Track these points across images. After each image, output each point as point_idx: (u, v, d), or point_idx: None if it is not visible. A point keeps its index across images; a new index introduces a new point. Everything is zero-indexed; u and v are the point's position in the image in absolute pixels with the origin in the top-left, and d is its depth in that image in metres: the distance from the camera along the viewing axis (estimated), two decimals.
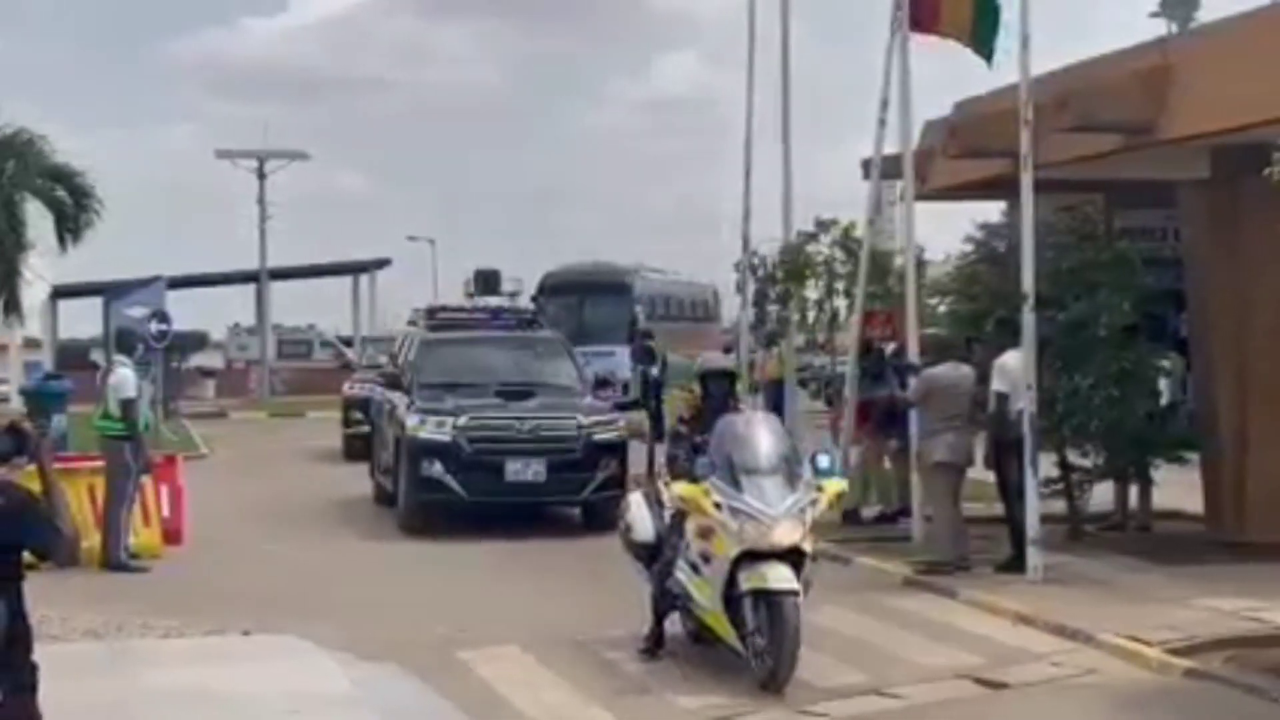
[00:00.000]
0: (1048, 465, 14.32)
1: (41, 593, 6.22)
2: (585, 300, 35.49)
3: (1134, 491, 15.58)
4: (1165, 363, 15.17)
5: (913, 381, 14.50)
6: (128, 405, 14.70)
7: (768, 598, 9.34)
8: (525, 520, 16.97)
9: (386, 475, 18.72)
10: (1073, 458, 14.84)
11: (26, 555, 5.88)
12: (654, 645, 10.36)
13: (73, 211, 25.09)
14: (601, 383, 19.27)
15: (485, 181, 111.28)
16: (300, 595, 13.21)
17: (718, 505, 9.59)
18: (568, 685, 9.82)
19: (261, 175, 53.30)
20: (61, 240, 25.33)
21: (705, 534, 9.75)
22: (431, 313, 21.22)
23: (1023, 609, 11.69)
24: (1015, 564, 13.12)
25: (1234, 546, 13.92)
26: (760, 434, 10.02)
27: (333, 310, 70.34)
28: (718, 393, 11.01)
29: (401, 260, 65.57)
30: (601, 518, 16.09)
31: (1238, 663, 9.85)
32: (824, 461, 10.26)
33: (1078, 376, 14.08)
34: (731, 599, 9.51)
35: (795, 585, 9.40)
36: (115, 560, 14.38)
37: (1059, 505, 14.81)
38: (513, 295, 40.88)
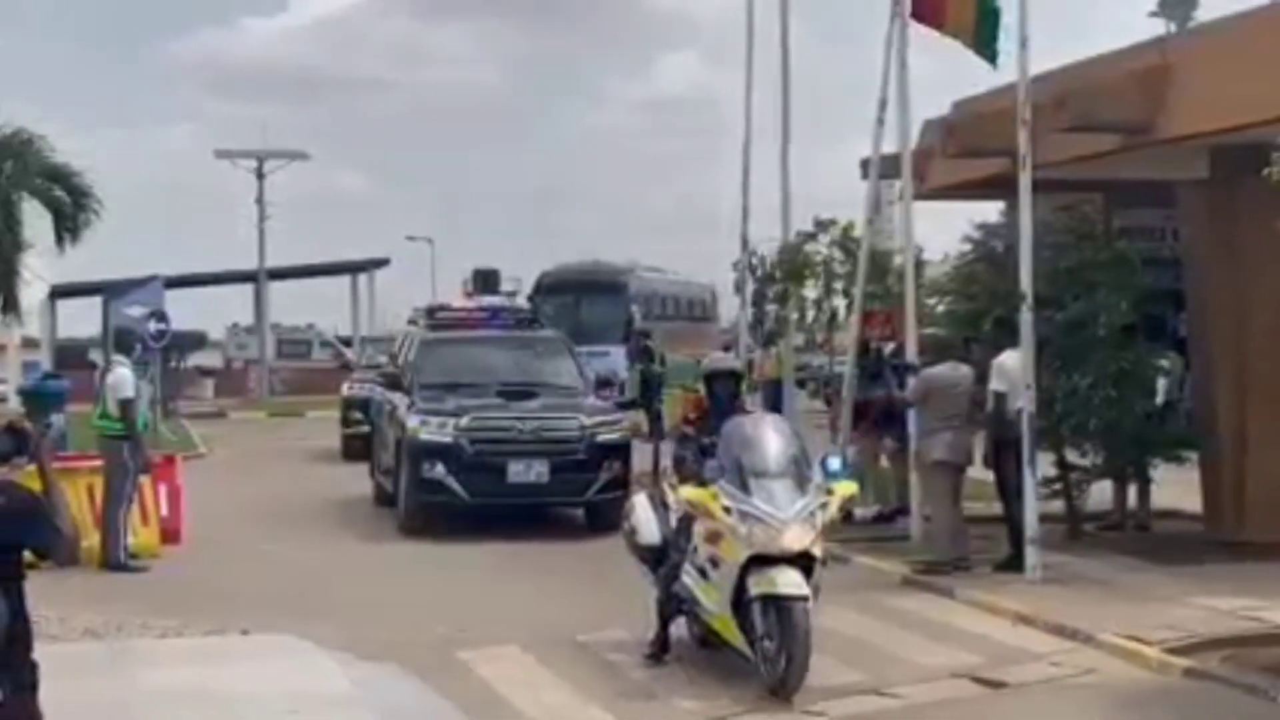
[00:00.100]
0: (1046, 465, 14.33)
1: (40, 592, 6.21)
2: (581, 300, 35.41)
3: (1132, 491, 15.59)
4: (1164, 362, 15.19)
5: (911, 381, 14.50)
6: (126, 405, 14.71)
7: (777, 603, 9.21)
8: (527, 522, 16.88)
9: (387, 476, 18.60)
10: (1071, 457, 14.85)
11: (27, 555, 5.88)
12: (659, 650, 10.24)
13: (71, 211, 25.06)
14: (603, 382, 19.21)
15: (485, 181, 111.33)
16: (299, 595, 13.21)
17: (726, 509, 9.47)
18: (568, 686, 9.81)
19: (260, 175, 53.32)
20: (60, 240, 25.30)
21: (713, 538, 9.63)
22: (432, 312, 21.08)
23: (1022, 608, 11.70)
24: (1014, 563, 13.13)
25: (1233, 546, 13.92)
26: (769, 436, 9.90)
27: (331, 310, 70.41)
28: (723, 393, 10.91)
29: (400, 260, 65.63)
30: (605, 519, 16.09)
31: (1236, 662, 9.86)
32: (834, 464, 10.13)
33: (1076, 376, 14.09)
34: (740, 604, 9.39)
35: (805, 591, 9.25)
36: (114, 560, 14.39)
37: (1058, 505, 14.83)
38: (511, 295, 40.86)
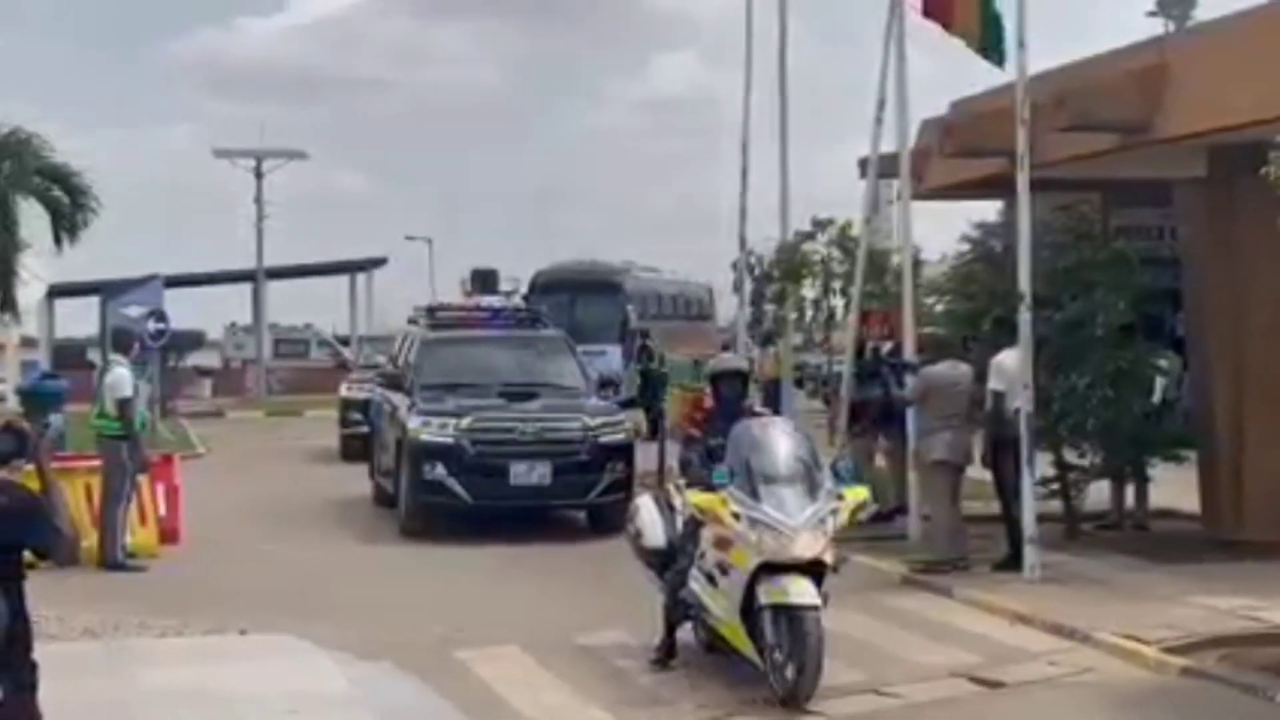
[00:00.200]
0: (1045, 464, 14.33)
1: (39, 592, 6.21)
2: (576, 299, 35.20)
3: (1131, 490, 15.60)
4: (1162, 362, 15.20)
5: (910, 380, 14.50)
6: (124, 404, 14.71)
7: (789, 612, 9.06)
8: (528, 524, 16.74)
9: (387, 477, 18.44)
10: (1070, 457, 14.86)
11: (26, 555, 5.89)
12: (665, 655, 10.10)
13: (69, 210, 25.06)
14: (606, 383, 19.11)
15: (485, 181, 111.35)
16: (298, 595, 13.21)
17: (736, 515, 9.28)
18: (568, 687, 9.80)
19: (259, 175, 53.30)
20: (58, 239, 25.30)
21: (722, 544, 9.46)
22: (432, 311, 20.85)
23: (1020, 608, 11.71)
24: (1012, 563, 13.14)
25: (1231, 545, 13.93)
26: (779, 440, 9.71)
27: (330, 310, 70.37)
28: (730, 394, 10.73)
29: (399, 260, 65.53)
30: (608, 521, 16.02)
31: (1234, 661, 9.86)
32: (845, 468, 9.98)
33: (1074, 375, 14.10)
34: (749, 611, 9.24)
35: (817, 600, 9.11)
36: (112, 559, 14.39)
37: (1056, 504, 14.84)
38: (509, 294, 40.88)
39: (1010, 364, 13.29)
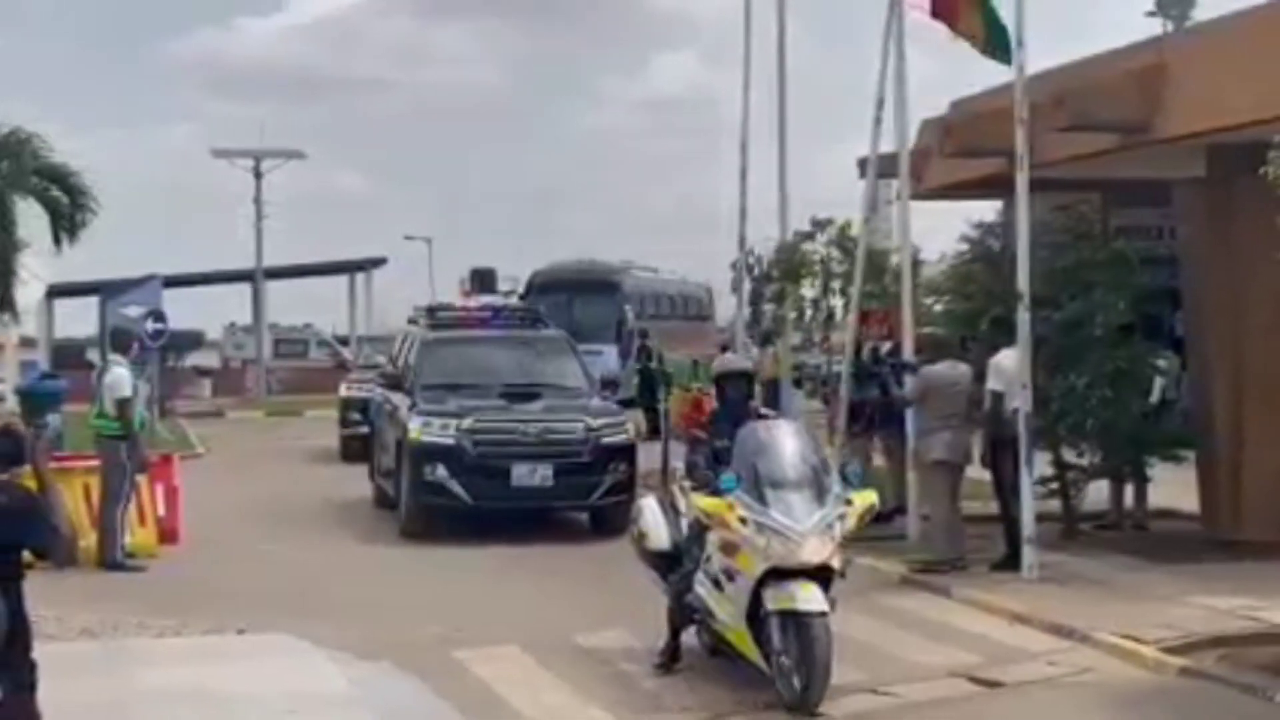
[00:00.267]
0: (1043, 464, 14.33)
1: (38, 592, 6.22)
2: (574, 299, 35.00)
3: (1129, 490, 15.61)
4: (1161, 361, 15.21)
5: (909, 380, 14.51)
6: (123, 404, 14.71)
7: (796, 619, 8.97)
8: (530, 525, 16.64)
9: (387, 479, 18.31)
10: (1068, 456, 14.86)
11: (25, 555, 5.89)
12: (669, 659, 10.01)
13: (68, 210, 25.06)
14: (609, 383, 19.02)
15: (485, 181, 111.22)
16: (297, 595, 13.20)
17: (743, 520, 9.16)
18: (567, 687, 9.80)
19: (258, 174, 53.30)
20: (57, 239, 25.30)
21: (729, 549, 9.35)
22: (432, 311, 20.73)
23: (1019, 608, 11.71)
24: (1011, 563, 13.15)
25: (1230, 545, 13.93)
26: (786, 444, 9.58)
27: (329, 309, 70.34)
28: (735, 395, 10.56)
29: (398, 260, 65.45)
30: (610, 523, 16.02)
31: (1232, 661, 9.87)
32: (853, 472, 9.87)
33: (1073, 375, 14.10)
34: (755, 617, 9.16)
35: (825, 606, 9.02)
36: (111, 559, 14.39)
37: (1055, 504, 14.84)
38: (508, 294, 40.89)
39: (1009, 364, 13.29)
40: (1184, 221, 15.45)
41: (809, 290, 19.09)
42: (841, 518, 9.34)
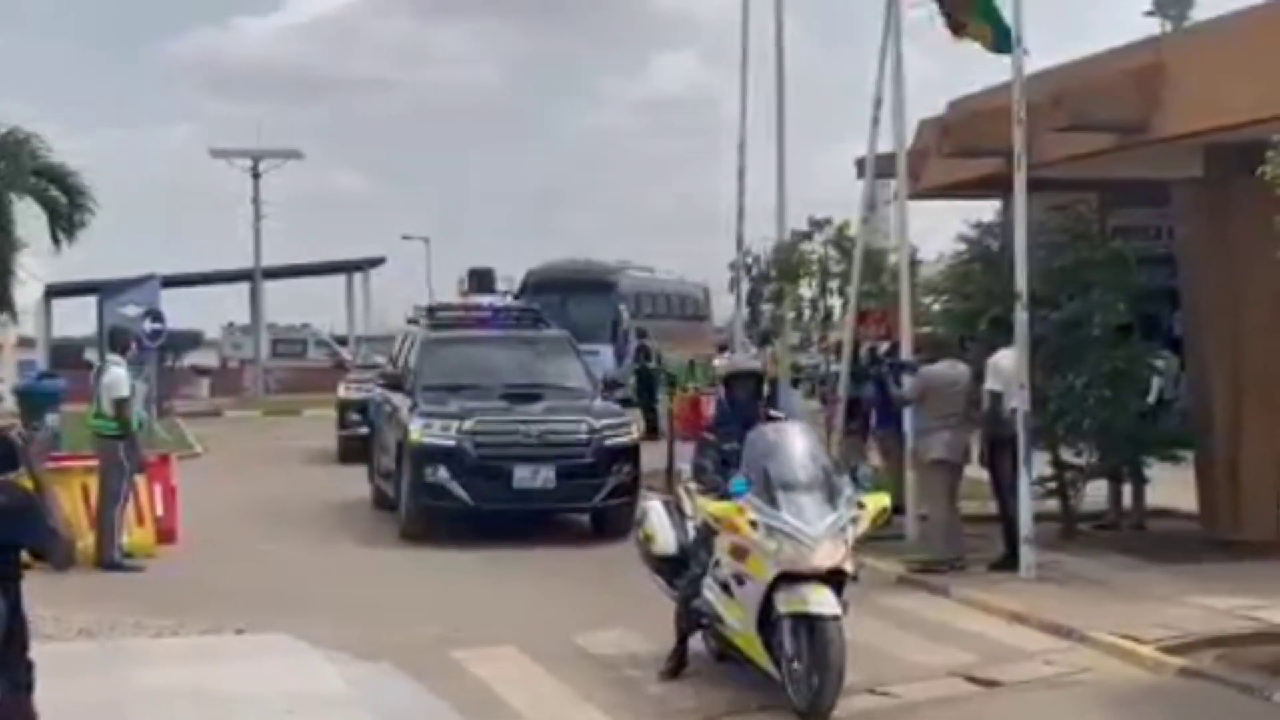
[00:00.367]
0: (1042, 464, 14.33)
1: (36, 592, 6.20)
2: (569, 298, 34.76)
3: (1128, 490, 15.61)
4: (1159, 361, 15.21)
5: (908, 380, 14.51)
6: (121, 404, 14.70)
7: (809, 622, 8.83)
8: (531, 527, 16.55)
9: (387, 480, 18.15)
10: (1067, 456, 14.86)
11: (23, 555, 5.88)
12: (677, 665, 9.86)
13: (66, 210, 25.11)
14: (611, 384, 18.92)
15: (484, 181, 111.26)
16: (296, 595, 13.19)
17: (753, 524, 9.01)
18: (566, 687, 9.79)
19: (256, 174, 53.33)
20: (55, 239, 25.35)
21: (739, 553, 9.19)
22: (433, 311, 20.53)
23: (1017, 607, 11.71)
24: (1009, 562, 13.15)
25: (1228, 544, 13.94)
26: (797, 446, 9.41)
27: (327, 309, 70.41)
28: (744, 396, 10.26)
29: (396, 259, 65.53)
30: (613, 525, 15.98)
31: (1230, 661, 9.87)
32: (864, 475, 9.77)
33: (1071, 375, 14.11)
34: (766, 622, 9.02)
35: (838, 610, 8.88)
36: (109, 559, 14.38)
37: (1053, 504, 14.84)
38: (506, 294, 40.91)
39: (1007, 364, 13.29)
40: (1182, 221, 15.45)
41: (807, 290, 19.09)
42: (854, 521, 9.21)
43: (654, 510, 10.44)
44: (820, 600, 8.86)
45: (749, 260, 19.97)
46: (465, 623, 11.70)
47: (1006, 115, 13.16)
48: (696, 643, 10.05)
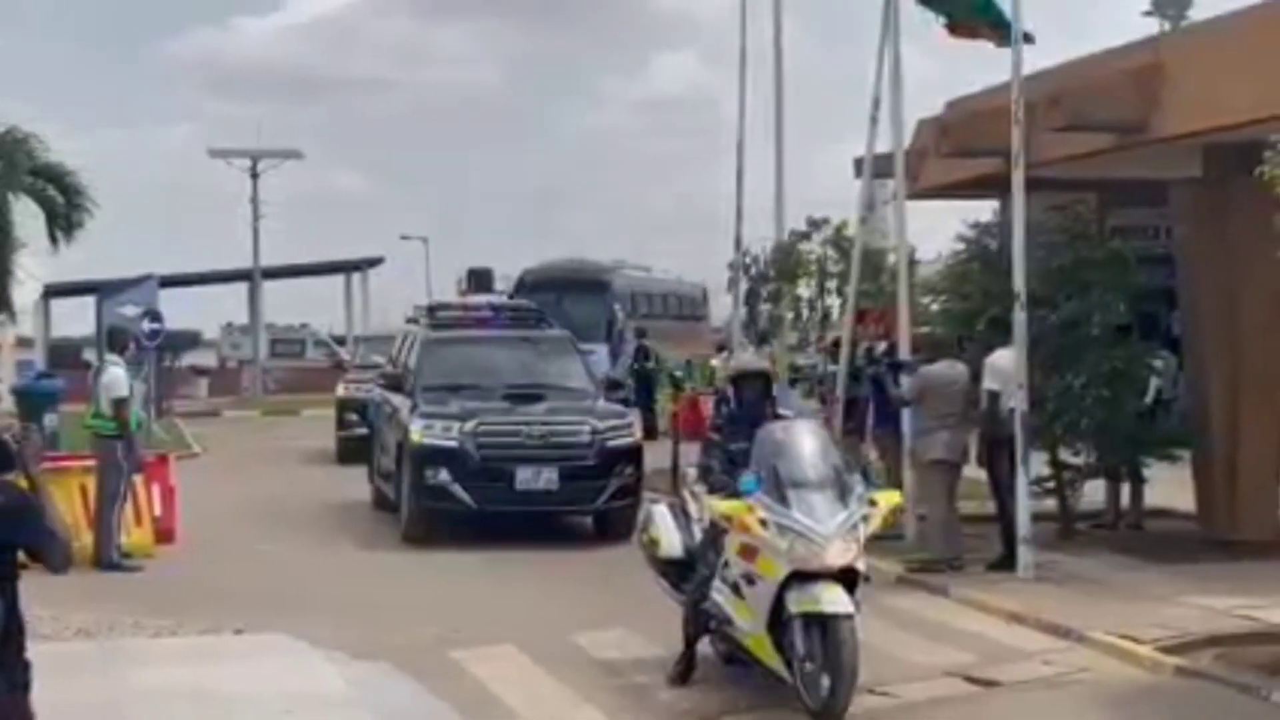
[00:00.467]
0: (1040, 463, 14.34)
1: (34, 592, 6.19)
2: (564, 298, 34.58)
3: (1126, 490, 15.61)
4: (1157, 361, 15.22)
5: (907, 379, 14.51)
6: (120, 404, 14.70)
7: (821, 622, 8.72)
8: (532, 528, 16.44)
9: (387, 481, 18.02)
10: (1065, 456, 14.86)
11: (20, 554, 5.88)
12: (686, 669, 9.73)
13: (64, 210, 25.12)
14: (613, 384, 18.79)
15: (484, 181, 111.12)
16: (295, 595, 13.19)
17: (763, 522, 8.90)
18: (565, 687, 9.79)
19: (254, 174, 53.32)
20: (54, 239, 25.36)
21: (748, 553, 9.07)
22: (433, 310, 20.26)
23: (1015, 607, 11.71)
24: (1007, 562, 13.16)
25: (1227, 544, 13.94)
26: (807, 444, 9.31)
27: (326, 309, 70.33)
28: (752, 396, 10.11)
29: (395, 259, 65.39)
30: (616, 527, 15.91)
31: (1228, 661, 9.87)
32: (875, 472, 9.69)
33: (1070, 375, 14.10)
34: (776, 623, 8.90)
35: (851, 609, 8.76)
36: (107, 559, 14.38)
37: (1051, 504, 14.84)
38: (503, 294, 40.89)
39: (1005, 364, 13.29)
40: (1180, 221, 15.46)
41: (805, 290, 19.10)
42: (866, 519, 9.11)
43: (658, 513, 10.34)
44: (833, 599, 8.76)
45: (747, 260, 19.98)
46: (465, 623, 11.70)
47: (1005, 115, 13.16)
48: (703, 646, 9.94)
